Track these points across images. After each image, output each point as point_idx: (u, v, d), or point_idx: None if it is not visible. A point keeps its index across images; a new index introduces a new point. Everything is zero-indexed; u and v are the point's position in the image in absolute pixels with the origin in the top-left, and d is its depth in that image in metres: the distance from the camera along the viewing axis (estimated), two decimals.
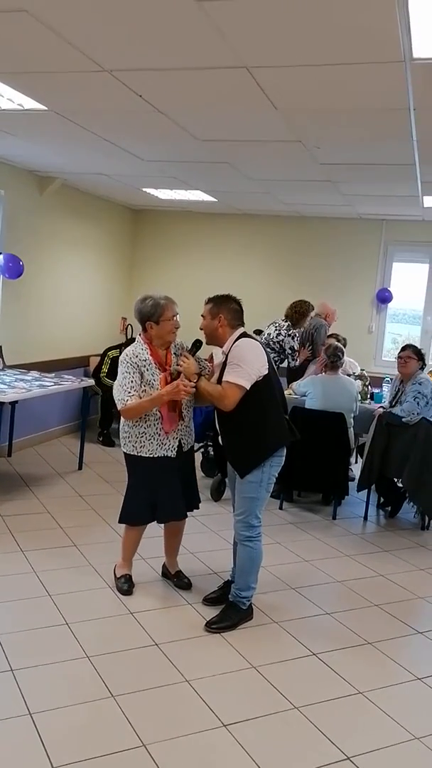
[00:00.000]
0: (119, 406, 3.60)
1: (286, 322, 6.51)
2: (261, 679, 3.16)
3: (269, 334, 6.50)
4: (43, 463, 6.43)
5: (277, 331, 6.48)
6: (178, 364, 3.60)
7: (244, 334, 3.55)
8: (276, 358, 6.36)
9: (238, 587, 3.66)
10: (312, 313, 6.61)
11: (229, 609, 3.65)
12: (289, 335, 6.46)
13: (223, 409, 3.46)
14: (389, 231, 7.87)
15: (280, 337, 6.46)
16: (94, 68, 3.19)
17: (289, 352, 6.45)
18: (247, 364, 3.41)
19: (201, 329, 3.63)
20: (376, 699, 3.08)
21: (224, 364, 3.48)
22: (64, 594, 3.80)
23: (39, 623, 3.46)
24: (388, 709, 3.00)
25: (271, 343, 6.45)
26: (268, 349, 6.41)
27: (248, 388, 3.40)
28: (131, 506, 3.84)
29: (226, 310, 3.55)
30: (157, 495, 3.74)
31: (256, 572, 3.67)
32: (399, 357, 5.50)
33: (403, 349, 5.53)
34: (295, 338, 6.47)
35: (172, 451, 3.69)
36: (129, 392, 3.57)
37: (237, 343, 3.48)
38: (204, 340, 3.66)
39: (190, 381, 3.52)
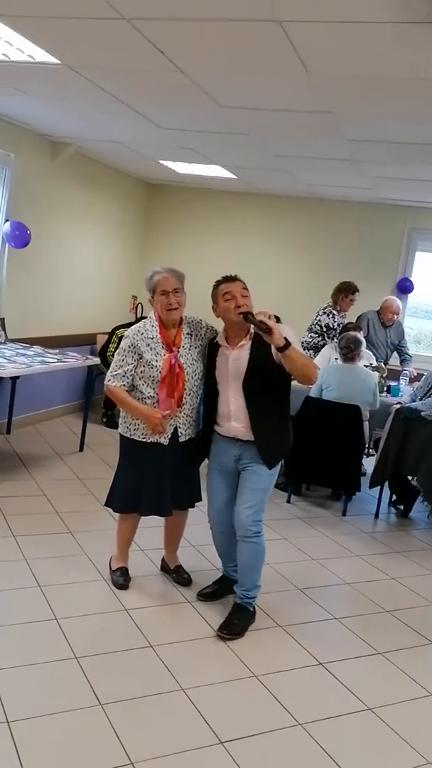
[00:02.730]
0: (105, 381, 3.46)
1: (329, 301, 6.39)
2: (263, 689, 2.92)
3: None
4: (42, 442, 6.19)
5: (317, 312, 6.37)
6: (264, 321, 3.07)
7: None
8: (320, 341, 6.22)
9: (245, 588, 3.42)
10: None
11: (238, 612, 3.41)
12: (324, 313, 6.29)
13: (308, 382, 3.23)
14: (413, 218, 7.54)
15: (317, 317, 6.31)
16: (112, 14, 2.88)
17: (324, 330, 6.22)
18: (300, 346, 3.29)
19: (243, 306, 3.21)
20: (387, 717, 2.83)
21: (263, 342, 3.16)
22: (55, 585, 3.56)
23: (25, 617, 3.22)
24: (399, 729, 2.76)
25: (312, 326, 6.33)
26: (312, 334, 6.26)
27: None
28: (116, 491, 3.62)
29: None
30: (142, 484, 3.49)
31: (261, 569, 3.45)
32: None
33: None
34: (331, 316, 6.25)
35: (165, 437, 3.43)
36: (115, 372, 3.41)
37: (285, 327, 3.19)
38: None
39: (277, 341, 3.05)
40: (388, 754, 2.63)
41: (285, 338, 3.07)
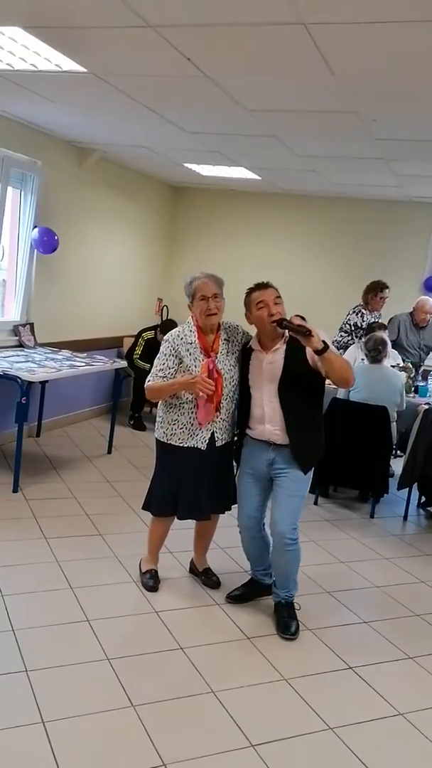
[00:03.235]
0: (145, 385, 3.47)
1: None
2: (293, 693, 2.92)
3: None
4: (71, 445, 6.25)
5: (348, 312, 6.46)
6: (303, 324, 3.09)
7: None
8: (349, 340, 6.28)
9: (287, 590, 3.48)
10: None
11: (286, 610, 3.47)
12: (354, 312, 6.36)
13: (346, 385, 3.27)
14: None
15: (348, 317, 6.39)
16: (138, 23, 2.91)
17: (353, 329, 6.25)
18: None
19: (276, 314, 3.22)
20: (419, 723, 2.82)
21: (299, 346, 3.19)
22: (87, 587, 3.60)
23: (58, 619, 3.27)
24: (431, 735, 2.74)
25: (343, 325, 6.40)
26: (343, 333, 6.26)
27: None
28: (154, 495, 3.64)
29: None
30: (180, 488, 3.51)
31: (298, 569, 3.51)
32: None
33: None
34: (361, 315, 6.30)
35: (203, 443, 3.45)
36: (157, 374, 3.41)
37: (318, 329, 3.18)
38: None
39: (315, 344, 3.06)
40: (419, 759, 2.61)
41: (323, 341, 3.08)
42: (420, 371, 6.48)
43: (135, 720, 2.62)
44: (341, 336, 6.34)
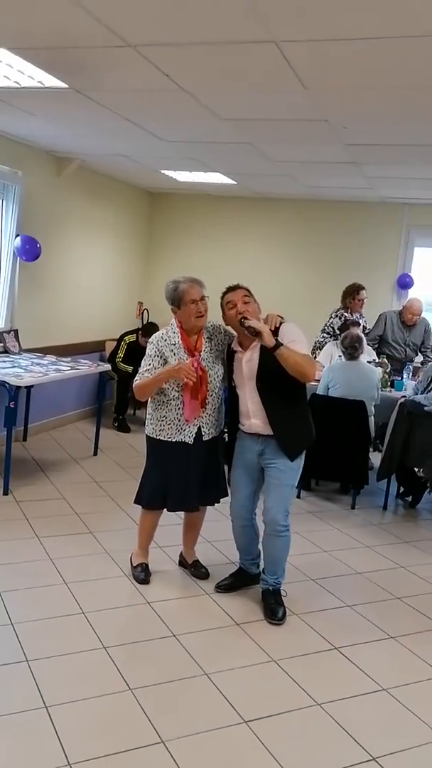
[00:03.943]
0: (133, 384, 3.65)
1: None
2: (282, 673, 3.09)
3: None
4: (58, 448, 6.38)
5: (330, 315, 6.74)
6: (252, 326, 3.33)
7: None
8: (331, 341, 6.52)
9: (276, 576, 3.65)
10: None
11: (274, 597, 3.64)
12: (336, 316, 6.64)
13: (308, 379, 3.42)
14: (411, 215, 7.70)
15: (330, 320, 6.67)
16: (119, 43, 3.07)
17: (335, 332, 6.50)
18: (306, 343, 3.51)
19: (243, 312, 3.42)
20: (401, 696, 3.00)
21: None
22: (80, 582, 3.74)
23: (55, 612, 3.41)
24: (414, 708, 2.92)
25: (326, 327, 6.65)
26: (324, 334, 6.48)
27: None
28: (145, 489, 3.79)
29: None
30: (169, 481, 3.67)
31: (287, 557, 3.71)
32: None
33: None
34: (342, 318, 6.57)
35: (190, 437, 3.62)
36: (143, 374, 3.58)
37: (288, 324, 3.52)
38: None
39: (266, 343, 3.30)
40: (403, 730, 2.78)
41: (276, 339, 3.31)
42: (406, 367, 6.60)
43: (133, 702, 2.77)
44: (323, 337, 6.60)
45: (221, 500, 3.86)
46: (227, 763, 2.49)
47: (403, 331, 6.75)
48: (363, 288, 6.59)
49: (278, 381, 3.42)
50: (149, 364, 3.58)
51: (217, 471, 3.80)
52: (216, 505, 3.87)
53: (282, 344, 3.32)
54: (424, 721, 2.84)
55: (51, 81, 3.77)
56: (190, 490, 3.67)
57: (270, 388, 3.44)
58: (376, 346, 6.64)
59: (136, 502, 3.86)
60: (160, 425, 3.63)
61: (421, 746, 2.68)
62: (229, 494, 3.77)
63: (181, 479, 3.66)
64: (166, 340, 3.59)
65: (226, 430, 3.86)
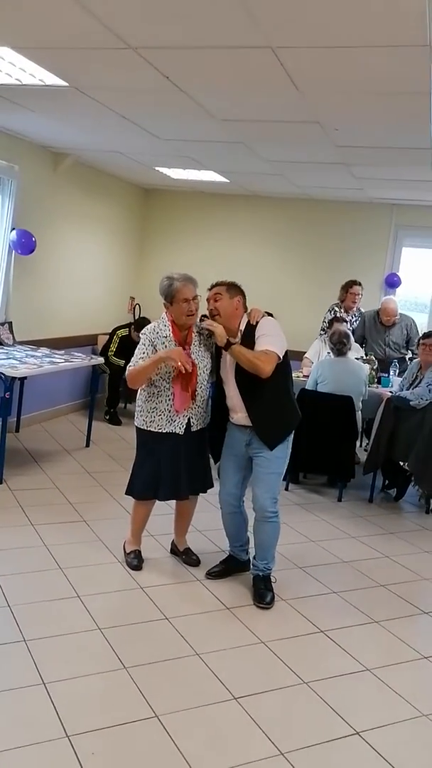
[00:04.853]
0: (126, 373, 3.75)
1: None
2: (270, 654, 3.22)
3: None
4: (50, 439, 6.47)
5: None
6: (205, 327, 3.63)
7: (268, 314, 3.70)
8: (318, 337, 6.66)
9: (266, 561, 3.78)
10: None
11: (263, 582, 3.76)
12: (329, 310, 6.81)
13: (262, 375, 3.50)
14: (399, 215, 7.85)
15: (324, 315, 6.82)
16: (120, 45, 3.18)
17: (327, 325, 6.63)
18: (278, 337, 3.59)
19: (212, 309, 3.64)
20: (384, 676, 3.13)
21: (252, 338, 3.58)
22: (75, 567, 3.85)
23: (51, 595, 3.52)
24: (395, 687, 3.06)
25: (322, 323, 6.78)
26: (321, 331, 6.61)
27: (281, 359, 3.56)
28: (136, 480, 3.90)
29: (241, 295, 3.71)
30: (160, 471, 3.78)
31: (277, 544, 3.82)
32: (423, 344, 5.43)
33: (427, 336, 5.43)
34: (333, 312, 6.74)
35: (180, 428, 3.73)
36: (137, 362, 3.68)
37: (266, 318, 3.64)
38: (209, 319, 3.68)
39: (218, 342, 3.57)
40: (386, 708, 2.91)
41: (229, 339, 3.52)
42: (393, 364, 6.61)
43: (128, 680, 2.89)
44: (322, 332, 6.72)
45: (208, 491, 3.99)
46: (218, 735, 2.62)
47: (381, 332, 6.83)
48: (357, 283, 6.73)
49: (254, 374, 3.55)
50: (143, 353, 3.68)
51: (205, 460, 3.93)
52: (204, 494, 3.99)
53: (233, 344, 3.51)
54: (405, 698, 2.98)
55: (52, 79, 3.86)
56: (180, 479, 3.78)
57: (249, 381, 3.57)
58: (364, 344, 6.77)
59: (128, 493, 3.96)
60: (151, 416, 3.74)
61: (402, 722, 2.82)
62: (219, 483, 3.89)
63: (171, 469, 3.76)
64: (157, 333, 3.70)
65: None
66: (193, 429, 3.78)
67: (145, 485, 3.85)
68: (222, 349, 3.67)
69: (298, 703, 2.88)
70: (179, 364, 3.53)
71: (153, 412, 3.74)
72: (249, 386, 3.58)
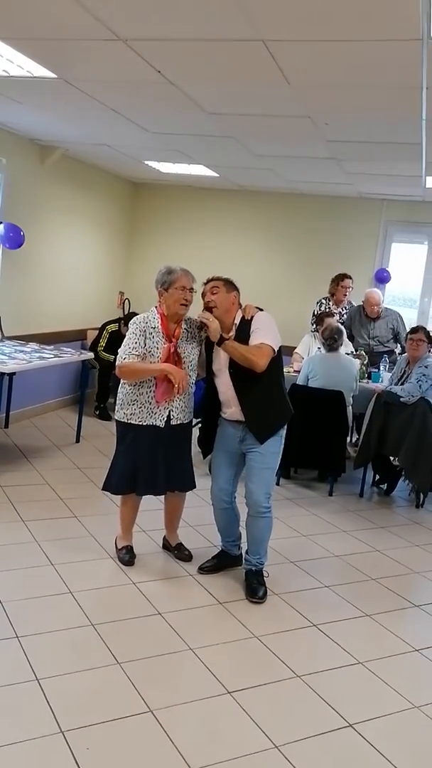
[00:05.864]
0: (117, 363, 3.69)
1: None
2: (263, 648, 3.22)
3: None
4: (40, 435, 6.44)
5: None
6: (199, 318, 3.61)
7: (259, 310, 3.71)
8: (308, 332, 6.68)
9: (259, 556, 3.78)
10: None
11: (256, 577, 3.77)
12: (318, 302, 6.88)
13: (256, 369, 3.50)
14: (389, 211, 7.85)
15: (314, 308, 6.86)
16: (110, 36, 3.15)
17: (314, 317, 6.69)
18: (273, 331, 3.60)
19: (210, 301, 3.62)
20: (376, 669, 3.15)
21: (247, 333, 3.59)
22: (67, 563, 3.83)
23: (43, 592, 3.50)
24: (387, 679, 3.07)
25: (312, 317, 6.81)
26: (312, 327, 6.61)
27: (275, 353, 3.56)
28: (113, 474, 3.87)
29: (237, 292, 3.71)
30: (137, 465, 3.76)
31: (269, 538, 3.83)
32: (410, 339, 5.45)
33: (415, 331, 5.46)
34: (320, 305, 6.83)
35: (160, 420, 3.72)
36: (130, 352, 3.63)
37: (260, 313, 3.65)
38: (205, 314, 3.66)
39: (211, 338, 3.54)
40: (379, 700, 2.93)
41: (222, 335, 3.51)
42: (383, 359, 6.58)
43: (122, 675, 2.88)
44: (313, 329, 6.70)
45: (198, 487, 3.97)
46: (212, 729, 2.62)
47: (366, 326, 6.79)
48: (348, 276, 6.76)
49: (248, 368, 3.55)
50: (135, 342, 3.64)
51: (184, 457, 3.88)
52: (197, 494, 3.98)
53: (226, 339, 3.51)
54: (397, 690, 2.99)
55: (40, 71, 3.83)
56: (157, 474, 3.76)
57: (242, 375, 3.57)
58: (351, 338, 6.77)
59: (105, 488, 3.94)
60: (131, 409, 3.72)
61: (394, 714, 2.84)
62: (210, 478, 3.88)
63: (148, 464, 3.74)
64: (147, 323, 3.68)
65: (199, 419, 3.98)
66: (173, 422, 3.76)
67: (122, 480, 3.82)
68: (213, 344, 3.66)
69: (291, 696, 2.89)
70: (177, 383, 3.55)
71: (134, 404, 3.72)
72: (243, 380, 3.58)
